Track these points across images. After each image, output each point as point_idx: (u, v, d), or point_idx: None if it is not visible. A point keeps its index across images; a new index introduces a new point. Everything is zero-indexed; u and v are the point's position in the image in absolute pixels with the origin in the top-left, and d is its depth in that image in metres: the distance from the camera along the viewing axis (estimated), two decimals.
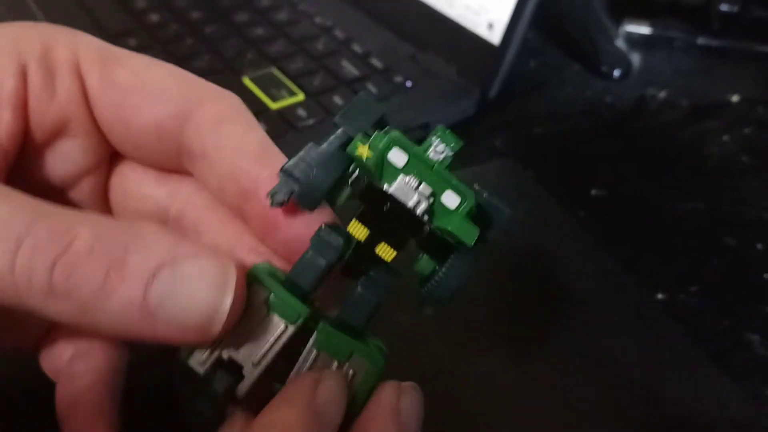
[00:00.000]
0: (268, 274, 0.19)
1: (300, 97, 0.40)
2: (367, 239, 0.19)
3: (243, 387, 0.18)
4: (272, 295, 0.18)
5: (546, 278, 0.29)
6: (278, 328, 0.18)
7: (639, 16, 0.55)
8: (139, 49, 0.44)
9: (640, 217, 0.37)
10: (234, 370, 0.18)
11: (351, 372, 0.19)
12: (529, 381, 0.25)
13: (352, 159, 0.19)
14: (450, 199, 0.18)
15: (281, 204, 0.19)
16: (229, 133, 0.21)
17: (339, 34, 0.47)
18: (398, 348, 0.20)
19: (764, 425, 0.24)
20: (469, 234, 0.18)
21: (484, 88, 0.42)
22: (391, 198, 0.18)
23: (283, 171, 0.19)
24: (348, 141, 0.19)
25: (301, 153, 0.19)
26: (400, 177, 0.18)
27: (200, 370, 0.18)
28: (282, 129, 0.38)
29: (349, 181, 0.20)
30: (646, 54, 0.53)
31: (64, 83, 0.21)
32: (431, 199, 0.18)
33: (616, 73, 0.49)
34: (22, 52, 0.20)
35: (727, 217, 0.37)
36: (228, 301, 0.17)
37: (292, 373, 0.19)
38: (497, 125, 0.43)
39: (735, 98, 0.48)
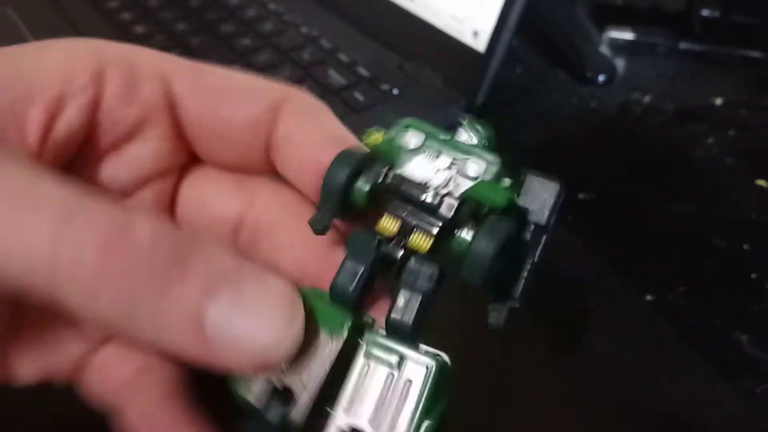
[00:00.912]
0: (313, 294, 0.18)
1: None
2: (399, 233, 0.17)
3: (298, 413, 0.17)
4: (314, 307, 0.17)
5: (533, 280, 0.29)
6: (325, 345, 0.17)
7: (622, 23, 0.55)
8: None
9: (628, 220, 0.37)
10: (286, 395, 0.17)
11: (410, 379, 0.17)
12: (518, 383, 0.25)
13: (367, 152, 0.18)
14: (473, 167, 0.17)
15: (325, 229, 0.18)
16: (311, 123, 0.21)
17: (325, 43, 0.47)
18: None
19: (756, 423, 0.24)
20: (498, 197, 0.16)
21: (471, 95, 0.42)
22: (410, 180, 0.17)
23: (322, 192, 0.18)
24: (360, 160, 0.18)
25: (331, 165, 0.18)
26: (418, 156, 0.17)
27: (255, 402, 0.17)
28: None
29: (367, 180, 0.18)
30: (630, 59, 0.53)
31: (147, 88, 0.21)
32: (454, 170, 0.17)
33: (601, 78, 0.50)
34: (102, 58, 0.20)
35: (714, 218, 0.37)
36: (295, 334, 0.16)
37: (345, 386, 0.17)
38: None
39: (718, 101, 0.48)
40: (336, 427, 0.17)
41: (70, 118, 0.20)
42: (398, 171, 0.17)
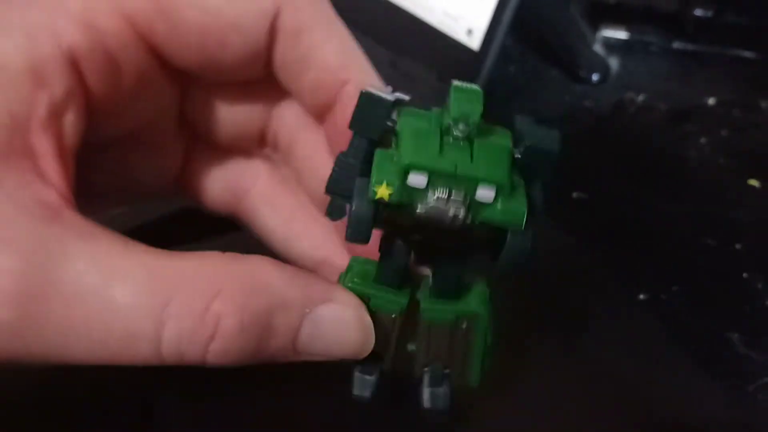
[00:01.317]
0: (362, 272, 0.20)
1: None
2: (425, 240, 0.19)
3: (386, 364, 0.21)
4: (371, 300, 0.20)
5: (527, 281, 0.29)
6: (389, 321, 0.20)
7: (615, 22, 0.55)
8: None
9: (621, 219, 0.37)
10: (373, 355, 0.20)
11: (465, 326, 0.20)
12: (511, 383, 0.25)
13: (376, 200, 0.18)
14: (484, 194, 0.18)
15: (341, 218, 0.20)
16: (310, 43, 0.21)
17: None
18: None
19: (748, 423, 0.24)
20: (517, 219, 0.18)
21: None
22: (428, 220, 0.18)
23: (328, 192, 0.20)
24: (371, 144, 0.19)
25: (336, 168, 0.19)
26: (429, 196, 0.18)
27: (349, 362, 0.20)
28: None
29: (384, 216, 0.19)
30: (624, 59, 0.53)
31: (126, 57, 0.20)
32: (467, 201, 0.18)
33: (595, 77, 0.50)
34: (64, 43, 0.19)
35: (707, 218, 0.38)
36: (371, 343, 0.19)
37: (418, 341, 0.20)
38: None
39: (711, 101, 0.48)
40: (420, 362, 0.21)
41: (71, 128, 0.19)
42: (416, 209, 0.18)
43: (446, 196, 0.18)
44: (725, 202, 0.39)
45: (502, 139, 0.19)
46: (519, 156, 0.19)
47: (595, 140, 0.44)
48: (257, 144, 0.25)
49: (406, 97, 0.19)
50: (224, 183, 0.26)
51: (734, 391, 0.28)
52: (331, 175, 0.19)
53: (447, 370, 0.21)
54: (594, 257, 0.33)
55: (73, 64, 0.19)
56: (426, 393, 0.21)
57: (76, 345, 0.17)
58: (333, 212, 0.20)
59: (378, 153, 0.18)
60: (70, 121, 0.19)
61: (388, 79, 0.43)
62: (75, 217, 0.18)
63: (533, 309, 0.28)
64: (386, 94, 0.19)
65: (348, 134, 0.19)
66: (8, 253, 0.17)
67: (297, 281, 0.19)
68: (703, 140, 0.44)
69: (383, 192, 0.17)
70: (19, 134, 0.18)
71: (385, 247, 0.20)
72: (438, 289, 0.20)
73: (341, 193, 0.19)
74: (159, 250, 0.18)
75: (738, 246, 0.36)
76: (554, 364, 0.26)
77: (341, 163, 0.19)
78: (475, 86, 0.19)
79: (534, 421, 0.24)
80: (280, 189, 0.26)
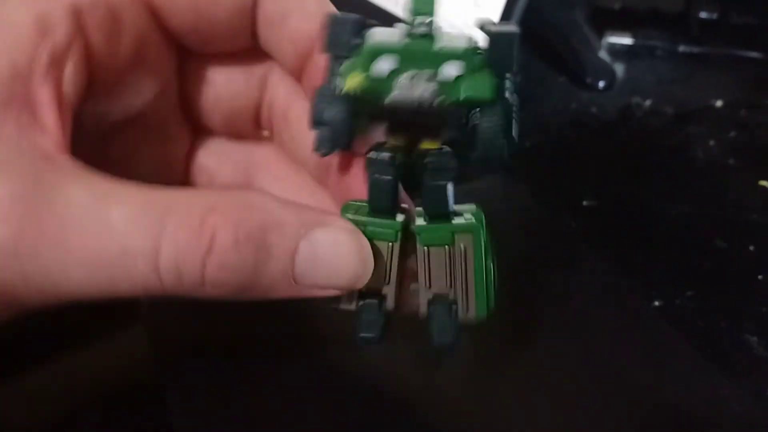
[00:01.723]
0: (355, 210, 0.20)
1: None
2: (408, 143, 0.20)
3: (389, 303, 0.20)
4: (366, 228, 0.20)
5: (542, 288, 0.29)
6: (386, 250, 0.20)
7: (620, 27, 0.55)
8: None
9: (632, 224, 0.38)
10: (374, 293, 0.20)
11: (463, 246, 0.20)
12: (526, 388, 0.25)
13: (346, 93, 0.18)
14: (449, 70, 0.18)
15: (329, 153, 0.20)
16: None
17: None
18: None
19: (765, 424, 0.24)
20: (483, 90, 0.18)
21: None
22: (400, 104, 0.18)
23: (312, 123, 0.20)
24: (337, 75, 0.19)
25: (316, 99, 0.20)
26: (397, 80, 0.18)
27: (352, 308, 0.20)
28: None
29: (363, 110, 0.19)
30: (629, 64, 0.53)
31: (129, 17, 0.20)
32: (435, 81, 0.18)
33: (601, 83, 0.50)
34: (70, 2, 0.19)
35: (718, 220, 0.38)
36: (369, 267, 0.19)
37: (419, 273, 0.20)
38: None
39: (718, 103, 0.49)
40: (425, 299, 0.20)
41: (71, 80, 0.20)
42: (387, 101, 0.18)
43: (413, 75, 0.18)
44: (736, 204, 0.39)
45: (461, 39, 0.19)
46: (480, 52, 0.19)
47: (603, 147, 0.44)
48: (254, 123, 0.26)
49: (374, 22, 0.19)
50: (231, 168, 0.27)
51: (753, 393, 0.28)
52: (312, 108, 0.20)
53: (453, 306, 0.20)
54: (607, 265, 0.33)
55: (76, 15, 0.19)
56: (434, 328, 0.20)
57: (72, 266, 0.17)
58: (320, 145, 0.20)
59: (345, 62, 0.19)
60: (70, 72, 0.19)
61: None
62: (70, 160, 0.19)
63: (547, 317, 0.28)
64: (351, 15, 0.19)
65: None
66: (4, 177, 0.17)
67: (291, 206, 0.19)
68: (711, 142, 0.44)
69: (353, 82, 0.18)
70: (20, 82, 0.18)
71: (369, 163, 0.20)
72: (429, 210, 0.20)
73: (325, 122, 0.19)
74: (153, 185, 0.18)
75: (751, 248, 0.36)
76: (568, 372, 0.26)
77: (320, 95, 0.20)
78: None
79: (548, 426, 0.24)
80: (285, 170, 0.26)
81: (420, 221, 0.20)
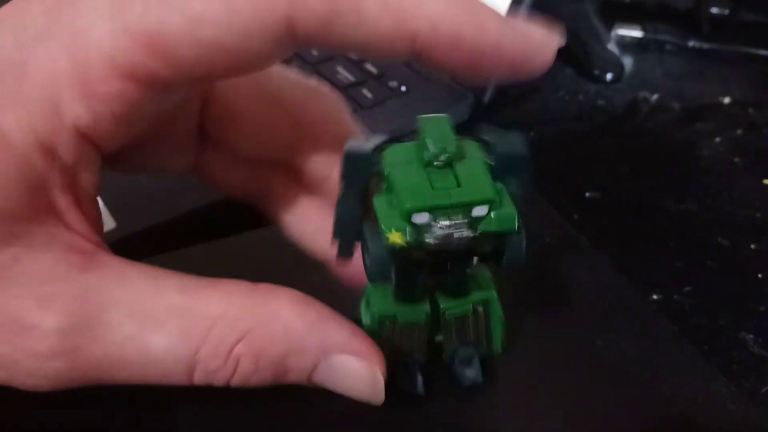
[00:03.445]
0: (381, 298, 0.23)
1: None
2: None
3: (422, 359, 0.24)
4: (398, 317, 0.23)
5: (541, 279, 0.29)
6: (416, 328, 0.23)
7: (630, 20, 0.55)
8: None
9: (634, 218, 0.37)
10: (409, 355, 0.24)
11: (481, 310, 0.23)
12: (523, 382, 0.25)
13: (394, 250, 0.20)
14: (480, 211, 0.20)
15: (351, 256, 0.22)
16: (350, 26, 0.19)
17: None
18: None
19: (761, 424, 0.24)
20: (510, 223, 0.20)
21: (478, 92, 0.42)
22: (438, 247, 0.20)
23: (334, 237, 0.22)
24: (358, 195, 0.21)
25: (335, 218, 0.21)
26: (434, 226, 0.20)
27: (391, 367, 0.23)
28: None
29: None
30: (638, 57, 0.53)
31: (135, 109, 0.19)
32: (467, 222, 0.20)
33: (609, 76, 0.50)
34: (66, 119, 0.19)
35: (720, 217, 0.38)
36: (380, 397, 0.21)
37: (444, 336, 0.24)
38: None
39: (726, 100, 0.48)
40: (449, 348, 0.24)
41: (87, 179, 0.20)
42: (428, 248, 0.20)
43: (449, 223, 0.20)
44: (739, 202, 0.39)
45: (474, 152, 0.21)
46: (492, 164, 0.21)
47: (608, 139, 0.44)
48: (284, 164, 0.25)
49: (384, 137, 0.21)
50: (240, 176, 0.26)
51: (749, 391, 0.28)
52: (335, 222, 0.21)
53: (473, 348, 0.24)
54: (606, 256, 0.33)
55: (80, 135, 0.19)
56: (461, 372, 0.24)
57: (121, 381, 0.20)
58: (342, 252, 0.22)
59: (376, 201, 0.20)
60: (86, 177, 0.20)
61: (403, 77, 0.43)
62: (109, 258, 0.20)
63: (544, 308, 0.28)
64: (364, 144, 0.20)
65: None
66: (51, 313, 0.19)
67: (317, 328, 0.20)
68: (717, 139, 0.44)
69: (396, 238, 0.19)
70: (38, 196, 0.19)
71: (399, 272, 0.22)
72: (453, 291, 0.23)
73: (348, 239, 0.21)
74: (189, 285, 0.20)
75: (753, 246, 0.36)
76: (564, 364, 0.26)
77: (341, 211, 0.21)
78: (440, 115, 0.21)
79: (544, 422, 0.24)
80: (297, 187, 0.26)
81: (441, 294, 0.23)
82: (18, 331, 0.19)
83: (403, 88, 0.42)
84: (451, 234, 0.20)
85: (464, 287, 0.23)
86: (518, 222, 0.20)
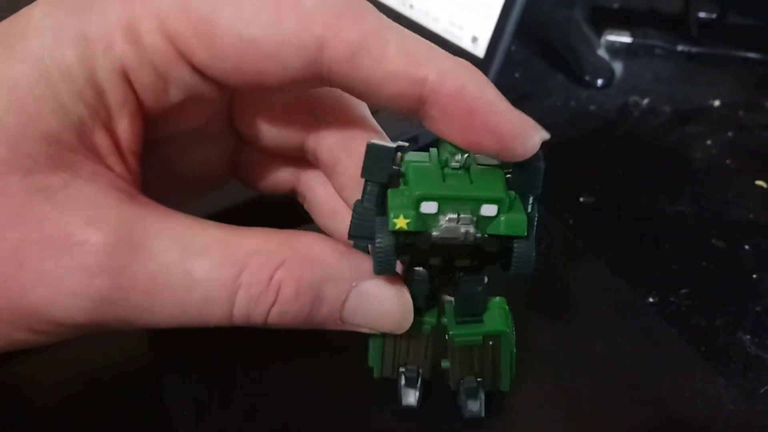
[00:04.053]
0: None
1: None
2: (443, 262, 0.22)
3: (426, 373, 0.24)
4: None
5: (538, 284, 0.29)
6: (422, 340, 0.24)
7: (619, 26, 0.56)
8: None
9: (629, 221, 0.38)
10: (413, 366, 0.24)
11: (491, 343, 0.23)
12: (522, 385, 0.25)
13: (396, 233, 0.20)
14: (489, 211, 0.20)
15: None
16: (369, 62, 0.20)
17: None
18: None
19: (759, 424, 0.24)
20: (519, 228, 0.20)
21: None
22: (443, 240, 0.20)
23: (352, 237, 0.22)
24: (382, 187, 0.21)
25: (354, 216, 0.22)
26: (441, 219, 0.20)
27: (394, 376, 0.24)
28: None
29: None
30: (628, 62, 0.53)
31: (173, 70, 0.21)
32: (475, 220, 0.20)
33: (599, 82, 0.50)
34: (115, 55, 0.20)
35: (714, 219, 0.38)
36: (409, 318, 0.22)
37: (450, 365, 0.23)
38: None
39: (716, 103, 0.49)
40: (455, 377, 0.24)
41: (126, 129, 0.21)
42: (432, 239, 0.20)
43: (456, 217, 0.20)
44: (733, 203, 0.39)
45: (493, 166, 0.21)
46: (509, 175, 0.21)
47: (601, 144, 0.44)
48: (300, 151, 0.26)
49: (406, 144, 0.21)
50: (276, 172, 0.27)
51: (747, 391, 0.28)
52: (351, 222, 0.22)
53: (479, 379, 0.24)
54: (602, 260, 0.33)
55: (125, 77, 0.20)
56: (464, 404, 0.24)
57: (159, 311, 0.20)
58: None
59: (390, 191, 0.21)
60: (125, 126, 0.21)
61: None
62: (148, 199, 0.21)
63: (541, 312, 0.28)
64: (389, 143, 0.21)
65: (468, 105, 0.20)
66: (99, 230, 0.19)
67: (347, 257, 0.21)
68: (709, 142, 0.44)
69: (401, 223, 0.20)
70: (84, 134, 0.20)
71: (409, 276, 0.22)
72: (461, 312, 0.23)
73: (364, 236, 0.22)
74: (227, 226, 0.21)
75: (747, 247, 0.36)
76: (562, 367, 0.26)
77: (359, 209, 0.22)
78: None
79: (543, 423, 0.24)
80: (330, 198, 0.26)
81: (450, 319, 0.23)
82: (65, 246, 0.19)
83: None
84: (458, 228, 0.20)
85: (474, 310, 0.23)
86: (528, 230, 0.20)
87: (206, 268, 0.20)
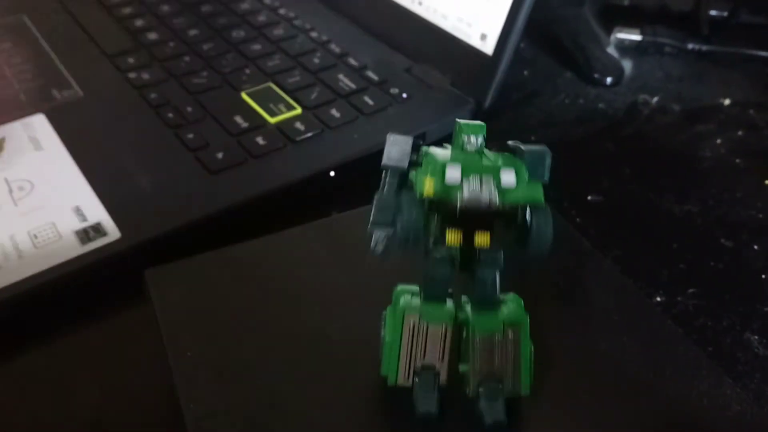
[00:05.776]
0: (409, 293, 0.23)
1: (297, 111, 0.41)
2: (464, 237, 0.22)
3: (443, 378, 0.23)
4: (423, 314, 0.23)
5: (544, 282, 0.30)
6: (440, 332, 0.23)
7: (629, 24, 0.55)
8: (138, 67, 0.45)
9: (636, 221, 0.38)
10: (429, 369, 0.23)
11: (511, 334, 0.23)
12: (532, 386, 0.25)
13: (423, 198, 0.22)
14: (507, 179, 0.22)
15: (387, 255, 0.23)
16: None
17: (335, 48, 0.47)
18: None
19: (766, 425, 0.24)
20: (537, 195, 0.22)
21: (479, 98, 0.43)
22: (470, 204, 0.22)
23: (372, 226, 0.22)
24: (401, 176, 0.23)
25: (375, 205, 0.22)
26: (465, 188, 0.22)
27: (409, 383, 0.23)
28: (281, 143, 0.38)
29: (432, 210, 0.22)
30: (637, 60, 0.53)
31: None
32: (493, 185, 0.22)
33: (609, 80, 0.50)
34: None
35: (723, 219, 0.38)
36: None
37: (470, 358, 0.23)
38: (493, 135, 0.43)
39: (726, 102, 0.48)
40: (474, 381, 0.23)
41: None
42: (461, 203, 0.22)
43: (479, 184, 0.21)
44: (741, 203, 0.39)
45: (505, 154, 0.23)
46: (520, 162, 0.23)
47: (609, 142, 0.44)
48: None
49: (421, 141, 0.23)
50: None
51: (754, 392, 0.28)
52: (373, 213, 0.22)
53: (500, 385, 0.23)
54: (610, 259, 0.33)
55: None
56: (485, 409, 0.23)
57: None
58: (376, 246, 0.23)
59: (415, 172, 0.22)
60: None
61: (403, 84, 0.43)
62: None
63: (548, 311, 0.28)
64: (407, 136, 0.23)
65: None
66: None
67: None
68: (718, 141, 0.44)
69: (429, 187, 0.21)
70: None
71: (430, 260, 0.23)
72: (479, 297, 0.23)
73: (384, 222, 0.22)
74: None
75: (756, 247, 0.36)
76: (569, 366, 0.26)
77: (379, 201, 0.22)
78: (478, 122, 0.23)
79: (550, 422, 0.24)
80: None
81: (468, 311, 0.23)
82: None
83: (404, 95, 0.43)
84: (481, 195, 0.21)
85: (492, 297, 0.23)
86: (543, 197, 0.22)
87: None
